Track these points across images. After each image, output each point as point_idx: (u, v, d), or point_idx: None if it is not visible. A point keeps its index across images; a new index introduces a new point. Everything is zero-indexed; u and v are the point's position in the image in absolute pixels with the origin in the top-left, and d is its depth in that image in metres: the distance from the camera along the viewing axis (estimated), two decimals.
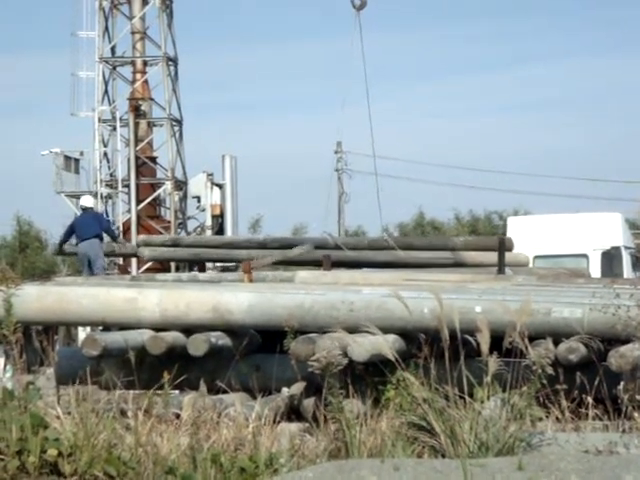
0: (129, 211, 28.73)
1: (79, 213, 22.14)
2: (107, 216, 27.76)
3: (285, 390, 8.95)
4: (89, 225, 19.40)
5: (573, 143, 78.09)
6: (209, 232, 27.83)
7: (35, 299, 9.47)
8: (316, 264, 16.47)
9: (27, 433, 6.23)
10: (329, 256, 15.12)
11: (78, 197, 29.42)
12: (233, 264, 19.59)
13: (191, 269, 22.41)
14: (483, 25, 79.45)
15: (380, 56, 57.59)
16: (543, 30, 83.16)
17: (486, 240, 19.24)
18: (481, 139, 79.25)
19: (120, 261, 28.27)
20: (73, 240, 19.84)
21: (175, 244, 17.42)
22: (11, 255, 44.56)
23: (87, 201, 21.18)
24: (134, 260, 27.68)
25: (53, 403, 6.83)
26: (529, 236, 18.18)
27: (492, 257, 15.52)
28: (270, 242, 16.91)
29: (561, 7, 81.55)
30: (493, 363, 6.81)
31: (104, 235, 19.98)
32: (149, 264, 27.58)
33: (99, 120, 29.19)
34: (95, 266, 19.01)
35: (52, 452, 6.18)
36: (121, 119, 29.17)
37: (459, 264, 16.20)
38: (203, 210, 28.62)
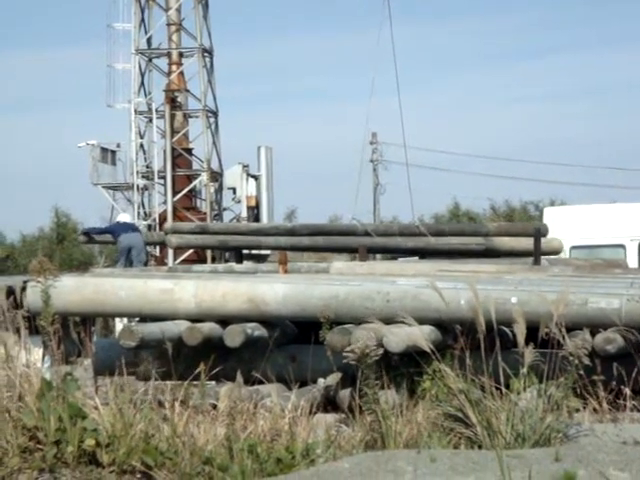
0: (165, 202, 28.86)
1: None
2: (141, 207, 27.98)
3: (321, 381, 8.96)
4: (128, 227, 19.74)
5: (612, 133, 77.56)
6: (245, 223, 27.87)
7: (73, 290, 9.54)
8: (349, 251, 16.41)
9: (65, 423, 6.27)
10: (365, 246, 15.09)
11: (115, 188, 29.65)
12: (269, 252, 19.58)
13: (227, 260, 22.49)
14: (515, 16, 79.03)
15: (415, 47, 57.43)
16: (578, 20, 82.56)
17: (518, 226, 19.08)
18: (518, 129, 78.89)
19: (157, 252, 28.41)
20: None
21: (203, 231, 17.35)
22: (49, 247, 44.90)
23: (124, 218, 21.66)
24: (171, 251, 27.81)
25: (91, 394, 6.88)
26: (566, 226, 18.08)
27: (524, 243, 15.42)
28: (299, 229, 16.80)
29: None
30: (529, 354, 6.78)
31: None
32: (186, 255, 27.71)
33: (135, 112, 29.32)
34: (137, 259, 19.19)
35: (90, 442, 6.22)
36: (157, 111, 29.27)
37: (491, 250, 16.08)
38: (239, 201, 28.69)
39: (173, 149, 28.86)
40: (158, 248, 28.65)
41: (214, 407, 7.30)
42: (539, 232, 14.86)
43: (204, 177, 29.29)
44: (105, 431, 6.28)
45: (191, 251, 28.21)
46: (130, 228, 20.18)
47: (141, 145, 29.72)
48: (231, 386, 8.57)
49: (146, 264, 20.52)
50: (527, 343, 6.85)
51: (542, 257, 14.35)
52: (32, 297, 8.92)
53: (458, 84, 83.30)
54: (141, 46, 29.63)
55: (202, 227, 17.95)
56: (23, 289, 15.63)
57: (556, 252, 16.31)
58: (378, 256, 22.37)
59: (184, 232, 17.22)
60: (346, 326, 8.59)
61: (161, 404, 6.93)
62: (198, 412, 6.88)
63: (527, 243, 15.16)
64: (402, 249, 16.58)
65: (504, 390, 6.81)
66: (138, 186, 28.98)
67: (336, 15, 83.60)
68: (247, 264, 16.89)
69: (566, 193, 68.14)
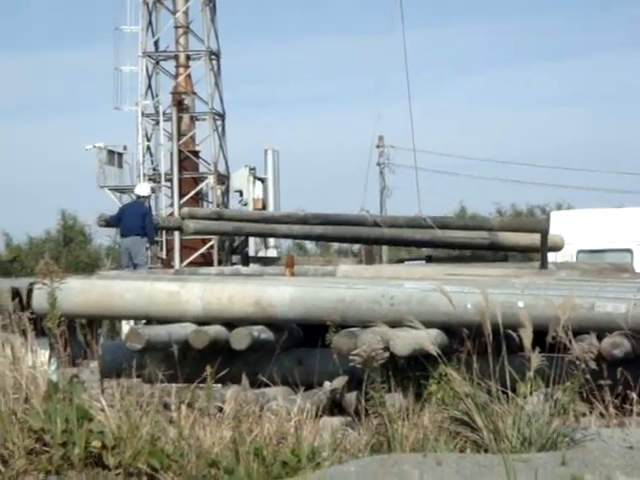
0: (172, 205, 28.88)
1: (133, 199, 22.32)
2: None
3: (327, 384, 8.95)
4: (134, 220, 19.49)
5: (618, 137, 77.50)
6: None
7: (79, 293, 9.54)
8: (358, 241, 16.43)
9: (72, 425, 6.28)
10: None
11: (122, 191, 29.69)
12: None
13: (233, 264, 22.49)
14: (525, 20, 79.04)
15: (423, 48, 57.40)
16: (587, 24, 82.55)
17: (522, 222, 19.13)
18: (525, 133, 78.88)
19: (163, 255, 28.44)
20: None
21: (219, 217, 17.36)
22: (55, 249, 44.92)
23: (141, 189, 21.24)
24: (177, 254, 27.84)
25: (97, 396, 6.87)
26: (572, 231, 18.07)
27: (528, 238, 15.47)
28: (310, 218, 16.81)
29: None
30: (536, 358, 6.78)
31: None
32: (192, 257, 27.73)
33: (142, 114, 29.37)
34: (135, 261, 19.19)
35: (96, 444, 6.23)
36: (164, 113, 29.32)
37: (495, 245, 16.13)
38: (245, 204, 28.71)
39: (180, 152, 28.90)
40: (165, 251, 28.70)
41: (220, 410, 7.30)
42: (546, 234, 14.84)
43: (211, 180, 29.31)
44: (111, 433, 6.29)
45: (197, 254, 28.25)
46: (128, 228, 19.76)
47: (148, 148, 29.77)
48: (237, 389, 8.56)
49: (146, 263, 20.42)
50: (534, 347, 6.84)
51: (549, 260, 14.32)
52: (38, 299, 8.92)
53: (466, 87, 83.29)
54: (148, 49, 29.67)
55: (218, 213, 17.97)
56: (29, 291, 15.63)
57: (558, 248, 16.27)
58: (384, 259, 22.29)
59: (200, 217, 17.19)
60: (352, 329, 8.58)
61: (167, 407, 6.94)
62: (204, 415, 6.88)
63: (530, 238, 15.25)
64: (409, 241, 16.66)
65: (510, 394, 6.80)
66: None
67: (345, 17, 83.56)
68: (253, 267, 16.87)
69: (573, 197, 68.10)
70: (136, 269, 18.35)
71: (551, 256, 15.50)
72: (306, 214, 17.49)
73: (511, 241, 16.18)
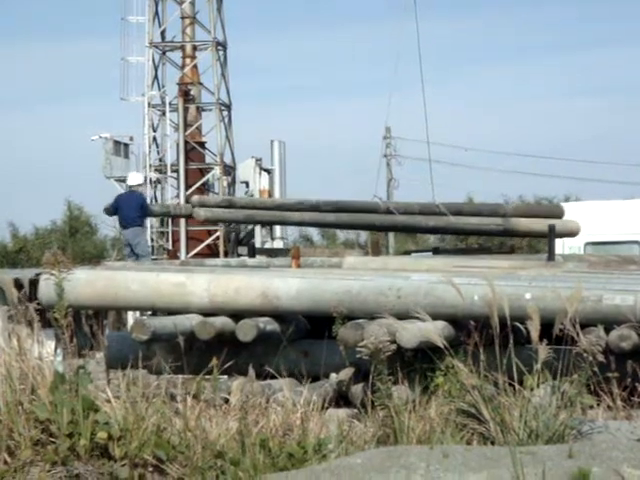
0: (178, 196, 28.88)
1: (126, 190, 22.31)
2: (154, 201, 27.92)
3: (333, 376, 8.94)
4: (132, 211, 19.52)
5: (626, 129, 77.39)
6: None
7: (85, 284, 9.54)
8: (371, 228, 16.33)
9: (78, 416, 6.28)
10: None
11: None
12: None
13: (239, 255, 22.49)
14: (530, 12, 78.94)
15: (429, 43, 57.32)
16: (588, 18, 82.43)
17: (537, 207, 19.02)
18: (532, 125, 78.77)
19: (169, 246, 28.46)
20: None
21: (230, 205, 17.28)
22: (61, 239, 44.99)
23: (133, 179, 21.23)
24: (183, 245, 27.86)
25: (103, 387, 6.87)
26: (580, 222, 18.04)
27: (542, 224, 15.44)
28: (323, 205, 16.71)
29: None
30: (543, 350, 6.76)
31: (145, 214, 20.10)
32: (198, 249, 27.75)
33: (149, 105, 29.35)
34: (137, 252, 19.23)
35: (102, 435, 6.22)
36: (170, 104, 29.32)
37: (509, 231, 16.06)
38: (252, 195, 28.71)
39: (186, 142, 28.89)
40: (171, 242, 28.72)
41: (226, 401, 7.30)
42: (553, 228, 14.81)
43: (217, 171, 29.30)
44: (117, 424, 6.28)
45: (203, 245, 28.26)
46: (127, 220, 19.79)
47: (154, 138, 29.76)
48: (243, 380, 8.55)
49: (148, 253, 20.48)
50: (541, 339, 6.82)
51: (558, 244, 14.25)
52: (45, 290, 8.92)
53: (471, 79, 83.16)
54: (155, 39, 29.65)
55: (229, 201, 17.88)
56: (32, 281, 15.65)
57: (573, 234, 16.19)
58: (391, 251, 22.27)
59: (211, 205, 17.12)
60: (359, 321, 8.57)
61: (173, 398, 6.93)
62: (210, 406, 6.88)
63: (544, 225, 15.19)
64: (423, 228, 16.57)
65: (517, 386, 6.79)
66: (151, 180, 29.00)
67: (353, 8, 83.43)
68: (260, 258, 16.84)
69: (581, 189, 68.08)
70: (138, 260, 18.38)
71: (558, 248, 15.48)
72: (318, 201, 17.34)
73: (525, 227, 16.11)
